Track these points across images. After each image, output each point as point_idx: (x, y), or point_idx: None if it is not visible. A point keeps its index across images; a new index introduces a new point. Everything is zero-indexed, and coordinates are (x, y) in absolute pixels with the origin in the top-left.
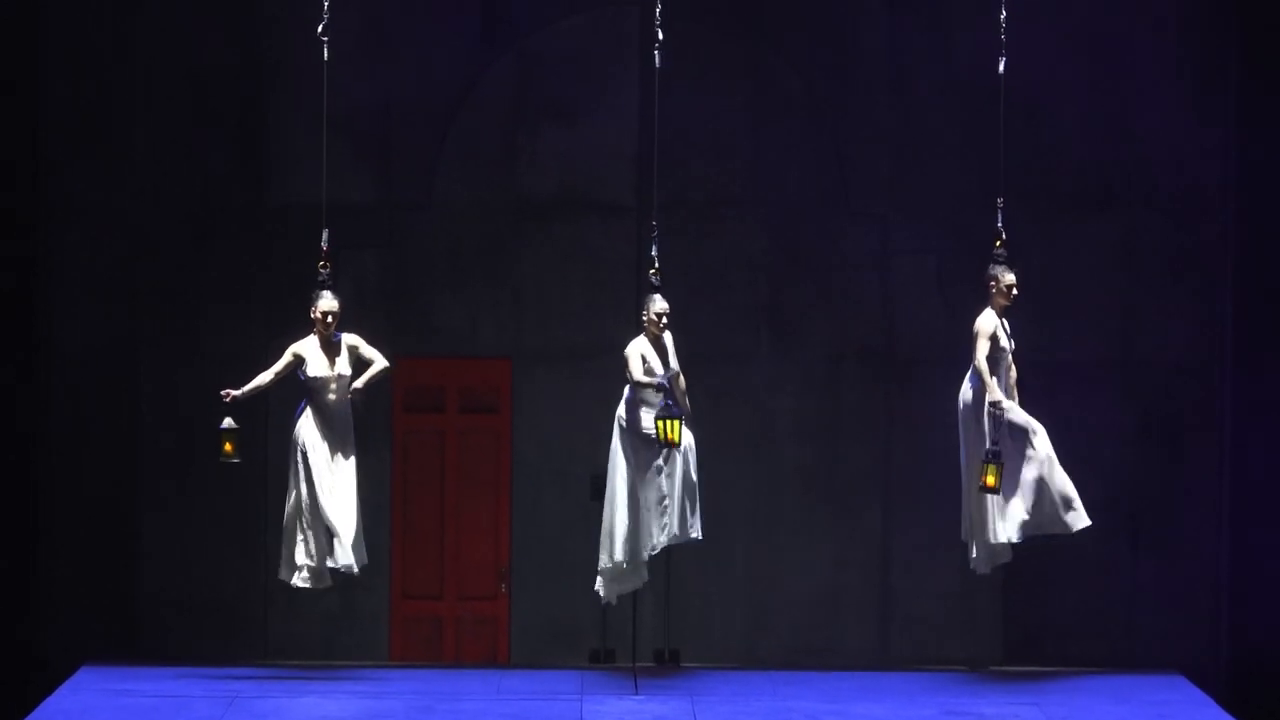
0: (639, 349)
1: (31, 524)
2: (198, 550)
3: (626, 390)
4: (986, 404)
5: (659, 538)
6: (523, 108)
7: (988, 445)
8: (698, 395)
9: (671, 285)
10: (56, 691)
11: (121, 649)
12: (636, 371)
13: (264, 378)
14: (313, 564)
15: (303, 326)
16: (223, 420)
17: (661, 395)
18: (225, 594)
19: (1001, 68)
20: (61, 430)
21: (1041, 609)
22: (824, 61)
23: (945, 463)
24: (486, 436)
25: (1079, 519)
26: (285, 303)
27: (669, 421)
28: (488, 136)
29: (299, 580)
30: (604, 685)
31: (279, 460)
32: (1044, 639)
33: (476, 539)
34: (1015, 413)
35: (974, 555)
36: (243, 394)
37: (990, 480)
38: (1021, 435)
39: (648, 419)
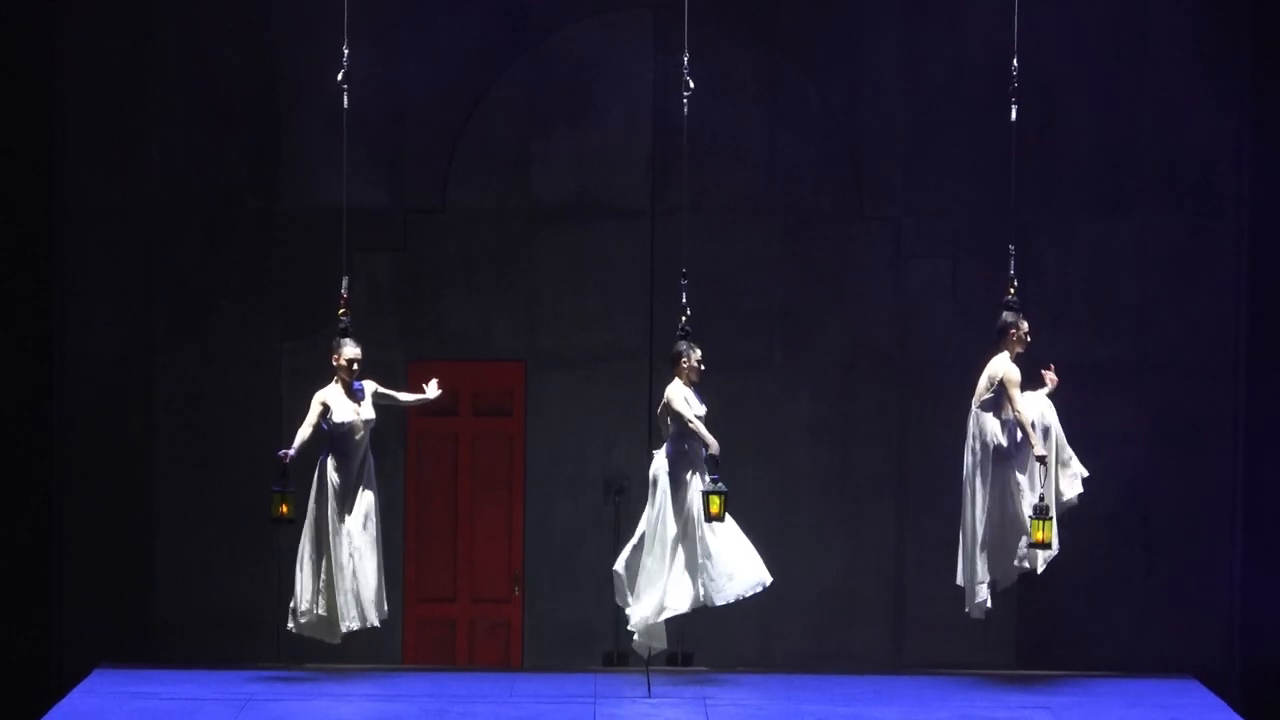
0: (682, 393)
1: (46, 529)
2: (211, 554)
3: (668, 445)
4: (1033, 458)
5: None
6: (536, 111)
7: (1035, 500)
8: (711, 400)
9: (686, 290)
10: (69, 694)
11: (135, 653)
12: (688, 412)
13: (305, 431)
14: (306, 616)
15: (318, 327)
16: (277, 482)
17: (710, 466)
18: (239, 598)
19: (1014, 114)
20: (76, 435)
21: (1054, 613)
22: (837, 66)
23: (958, 466)
24: (500, 440)
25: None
26: (300, 308)
27: (717, 497)
28: (501, 140)
29: (294, 627)
30: (617, 688)
31: (291, 464)
32: (1056, 643)
33: (490, 542)
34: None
35: (979, 599)
36: (296, 451)
37: (1040, 536)
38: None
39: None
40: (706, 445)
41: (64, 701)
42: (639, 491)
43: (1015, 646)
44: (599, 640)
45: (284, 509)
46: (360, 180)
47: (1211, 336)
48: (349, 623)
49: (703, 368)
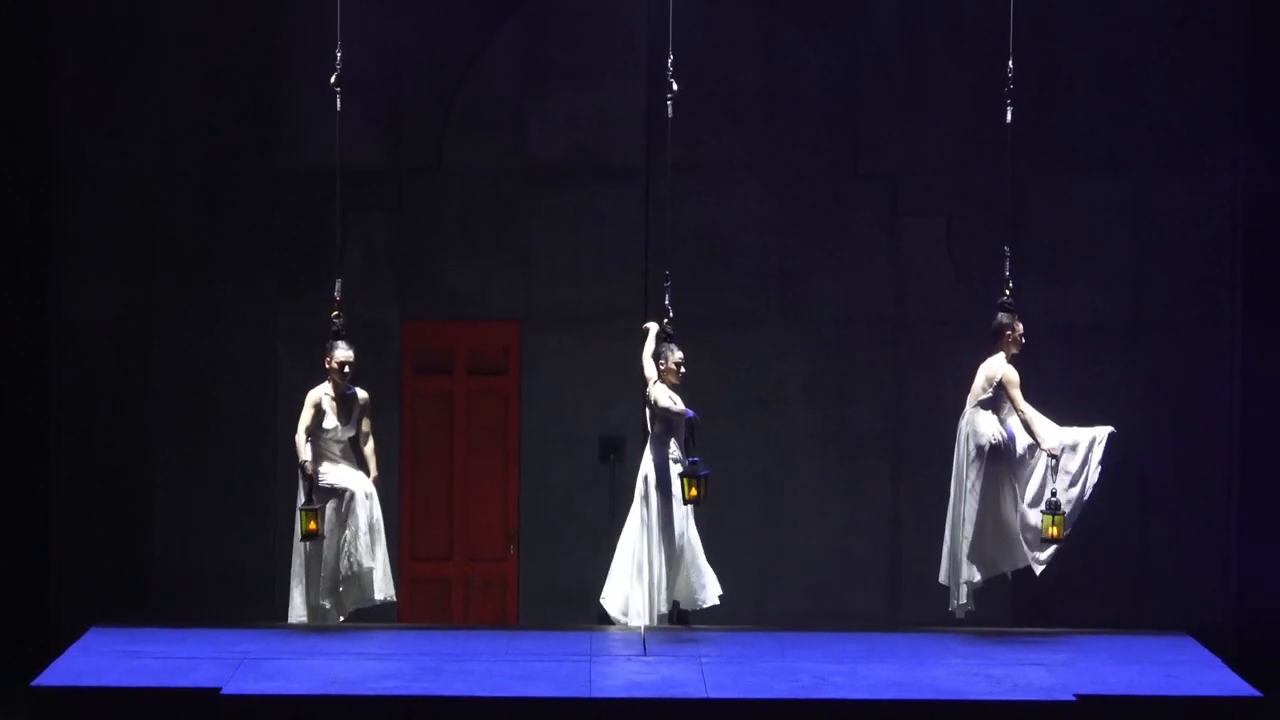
0: (667, 392)
1: (44, 491)
2: (208, 514)
3: (654, 449)
4: (1045, 456)
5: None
6: (532, 70)
7: (1048, 496)
8: (706, 359)
9: (681, 249)
10: (65, 653)
11: (131, 612)
12: (678, 405)
13: (307, 439)
14: (311, 604)
15: (315, 287)
16: (303, 499)
17: (687, 449)
18: (235, 557)
19: (1009, 116)
20: (74, 396)
21: (1050, 571)
22: (834, 24)
23: (953, 425)
24: (495, 399)
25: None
26: (297, 268)
27: (695, 480)
28: (497, 99)
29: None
30: (612, 646)
31: (288, 425)
32: (1052, 601)
33: (485, 501)
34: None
35: (962, 601)
36: (312, 462)
37: (1054, 532)
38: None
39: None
40: (687, 422)
41: (60, 660)
42: (633, 450)
43: (1011, 604)
44: (595, 598)
45: (312, 525)
46: (355, 140)
47: (1207, 296)
48: (386, 594)
49: (683, 370)
